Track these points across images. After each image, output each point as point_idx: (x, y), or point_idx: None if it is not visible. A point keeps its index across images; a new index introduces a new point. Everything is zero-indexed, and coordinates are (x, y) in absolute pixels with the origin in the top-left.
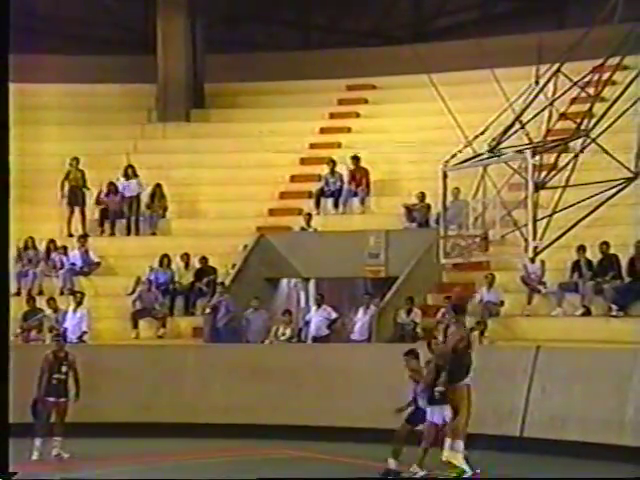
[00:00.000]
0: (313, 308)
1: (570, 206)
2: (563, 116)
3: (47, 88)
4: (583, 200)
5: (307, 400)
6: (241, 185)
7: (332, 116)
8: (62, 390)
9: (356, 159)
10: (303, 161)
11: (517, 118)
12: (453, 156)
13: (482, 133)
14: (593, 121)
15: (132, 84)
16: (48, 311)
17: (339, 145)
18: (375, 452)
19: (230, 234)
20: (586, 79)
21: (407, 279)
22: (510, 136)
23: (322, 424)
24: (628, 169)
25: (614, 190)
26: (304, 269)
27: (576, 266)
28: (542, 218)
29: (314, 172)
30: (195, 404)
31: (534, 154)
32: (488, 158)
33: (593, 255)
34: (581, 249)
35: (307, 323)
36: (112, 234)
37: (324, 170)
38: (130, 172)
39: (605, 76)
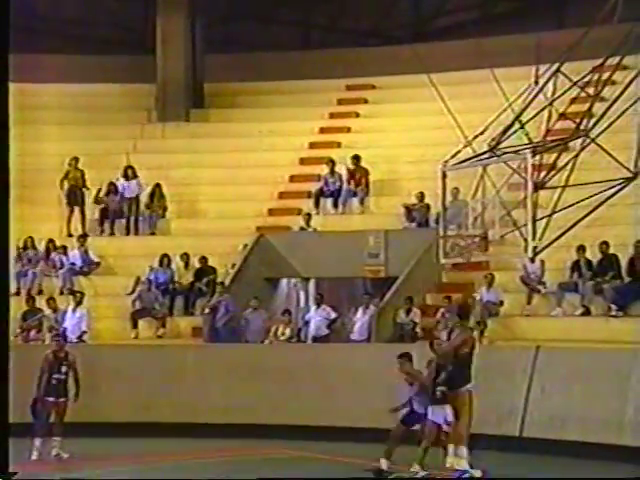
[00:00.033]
0: (313, 308)
1: (569, 206)
2: (563, 116)
3: (47, 88)
4: (582, 200)
5: (306, 400)
6: (240, 185)
7: (332, 116)
8: (62, 390)
9: (356, 159)
10: (302, 161)
11: (517, 118)
12: (453, 156)
13: (481, 133)
14: (593, 121)
15: (132, 84)
16: (48, 311)
17: (339, 145)
18: (375, 452)
19: (230, 234)
20: (586, 79)
21: (406, 279)
22: (510, 136)
23: (321, 424)
24: (627, 169)
25: (613, 190)
26: (303, 269)
27: (576, 266)
28: (541, 218)
29: (313, 172)
30: (195, 404)
31: (534, 154)
32: (488, 158)
33: (593, 255)
34: (581, 249)
35: (307, 323)
36: (112, 234)
37: (323, 170)
38: (130, 173)
39: (605, 76)
